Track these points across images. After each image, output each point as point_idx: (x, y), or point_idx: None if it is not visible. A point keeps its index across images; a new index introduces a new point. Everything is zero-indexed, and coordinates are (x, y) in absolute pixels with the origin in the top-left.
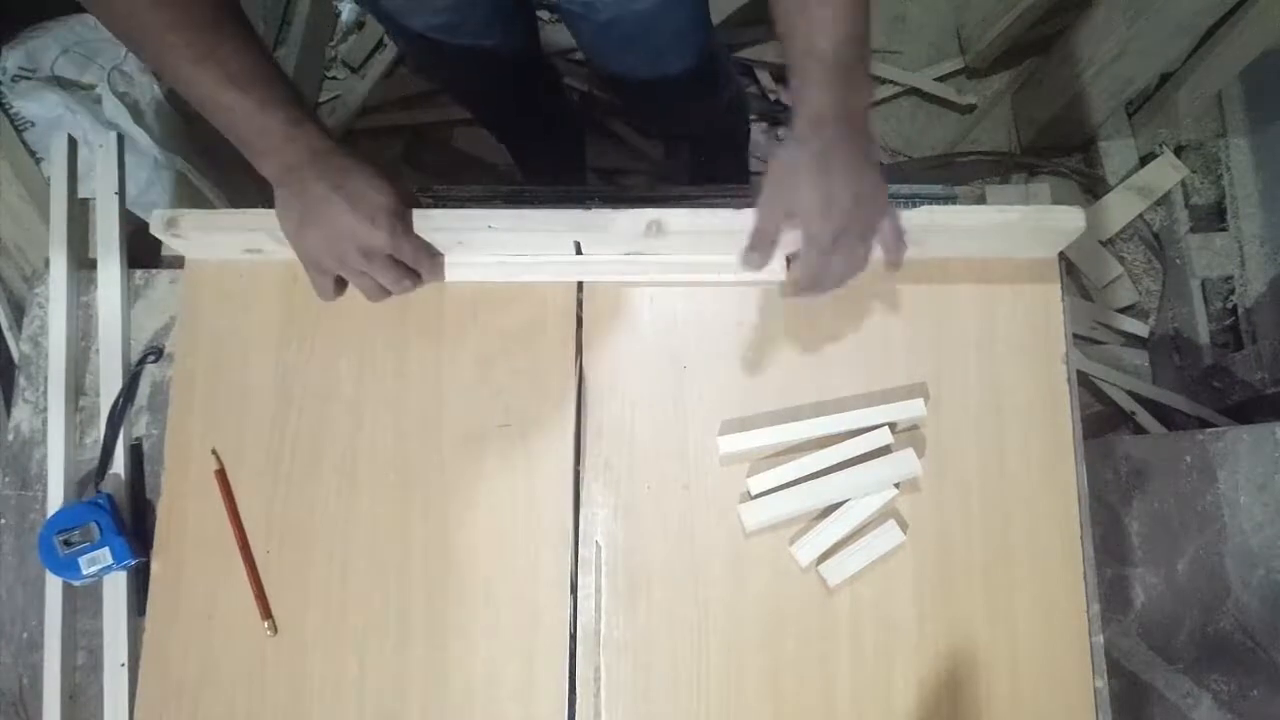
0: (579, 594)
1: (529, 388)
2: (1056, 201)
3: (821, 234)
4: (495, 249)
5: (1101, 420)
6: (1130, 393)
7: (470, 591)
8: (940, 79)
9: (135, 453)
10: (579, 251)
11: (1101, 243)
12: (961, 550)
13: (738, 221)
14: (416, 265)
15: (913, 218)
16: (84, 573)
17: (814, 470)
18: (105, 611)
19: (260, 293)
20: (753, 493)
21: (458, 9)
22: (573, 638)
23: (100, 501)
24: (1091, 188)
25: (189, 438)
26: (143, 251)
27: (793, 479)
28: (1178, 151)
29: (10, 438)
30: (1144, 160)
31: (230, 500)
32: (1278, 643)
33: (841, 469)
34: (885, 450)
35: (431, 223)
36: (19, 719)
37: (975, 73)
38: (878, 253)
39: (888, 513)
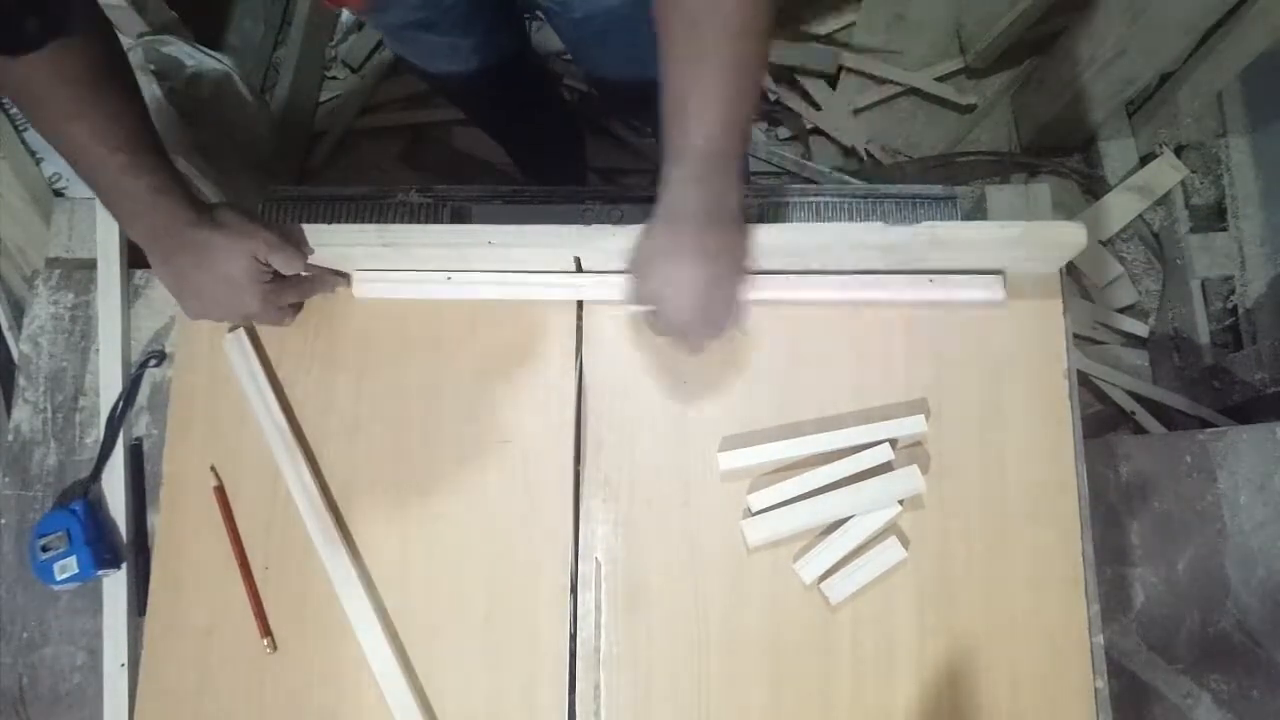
0: (579, 610)
1: (529, 405)
2: (1057, 202)
3: (673, 321)
4: (496, 264)
5: (1101, 420)
6: (1130, 393)
7: (470, 608)
8: (940, 79)
9: (135, 452)
10: (579, 267)
11: (1101, 243)
12: (962, 563)
13: None
14: (296, 298)
15: (915, 234)
16: (57, 578)
17: (815, 487)
18: (105, 611)
19: None
20: (753, 509)
21: (432, 5)
22: (572, 654)
23: (75, 509)
24: (1091, 188)
25: (188, 452)
26: (143, 252)
27: (794, 496)
28: (1178, 151)
29: (10, 438)
30: (1144, 160)
31: (229, 517)
32: (1278, 643)
33: (843, 485)
34: (886, 467)
35: (432, 238)
36: (19, 719)
37: (975, 73)
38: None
39: (889, 529)
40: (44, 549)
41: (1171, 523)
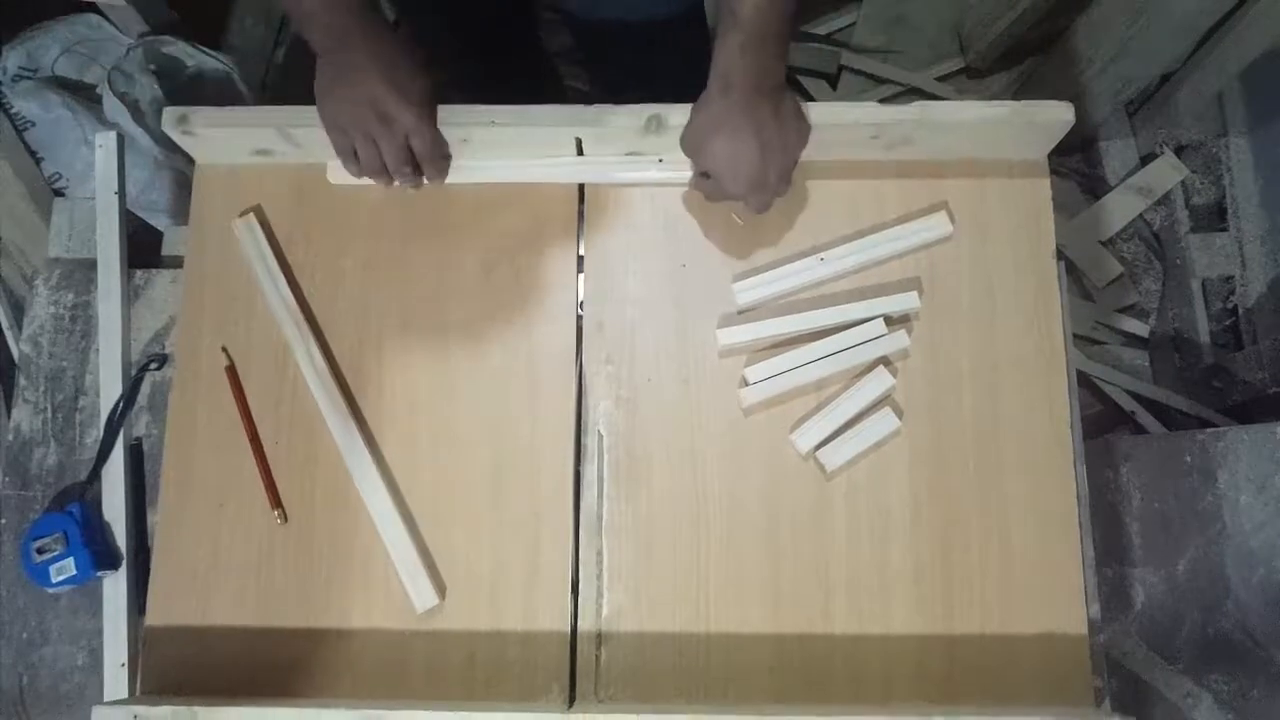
0: (581, 481)
1: (532, 286)
2: (1058, 203)
3: (734, 189)
4: (498, 148)
5: (1101, 420)
6: (1130, 393)
7: (476, 480)
8: (940, 79)
9: (135, 452)
10: (580, 151)
11: (1101, 243)
12: (953, 434)
13: None
14: (425, 156)
15: (905, 113)
16: (53, 581)
17: (809, 360)
18: (105, 611)
19: (268, 195)
20: (749, 380)
21: None
22: (575, 523)
23: (72, 511)
24: (1091, 188)
25: (199, 334)
26: (143, 251)
27: (789, 368)
28: (1178, 151)
29: (10, 438)
30: (1144, 160)
31: (240, 394)
32: (1278, 643)
33: (836, 356)
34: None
35: (438, 118)
36: (19, 719)
37: (975, 73)
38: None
39: (884, 400)
40: (39, 551)
41: (1171, 523)
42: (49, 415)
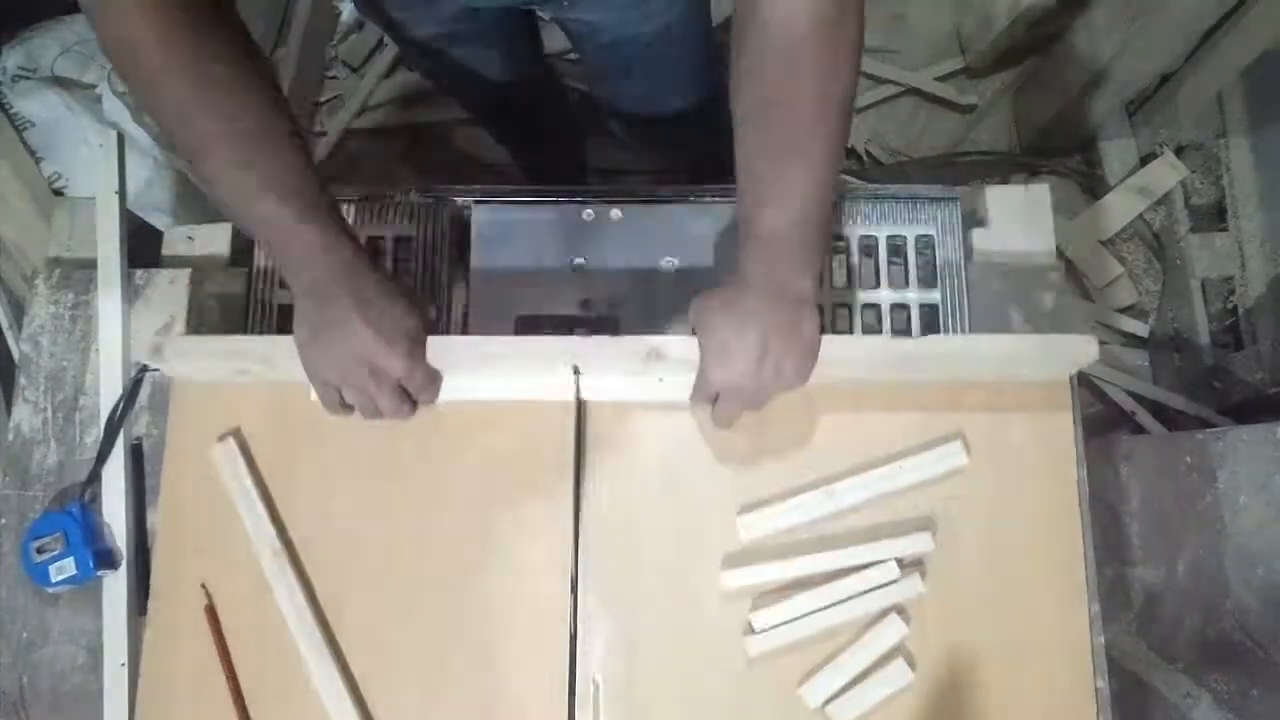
0: None
1: (526, 516)
2: (1057, 202)
3: (715, 376)
4: (491, 374)
5: (1101, 420)
6: (1130, 393)
7: None
8: (940, 79)
9: (135, 452)
10: (577, 373)
11: (1101, 243)
12: (969, 691)
13: None
14: (418, 393)
15: (925, 346)
16: (53, 580)
17: (819, 606)
18: (105, 611)
19: (248, 416)
20: (756, 628)
21: (462, 19)
22: None
23: (72, 511)
24: (1091, 188)
25: (178, 570)
26: (143, 251)
27: (797, 615)
28: (1178, 151)
29: (10, 438)
30: (1144, 160)
31: (220, 638)
32: (1278, 643)
33: (846, 603)
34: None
35: (429, 352)
36: (19, 719)
37: (975, 73)
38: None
39: (896, 651)
40: (39, 551)
41: (1171, 523)
42: (49, 415)
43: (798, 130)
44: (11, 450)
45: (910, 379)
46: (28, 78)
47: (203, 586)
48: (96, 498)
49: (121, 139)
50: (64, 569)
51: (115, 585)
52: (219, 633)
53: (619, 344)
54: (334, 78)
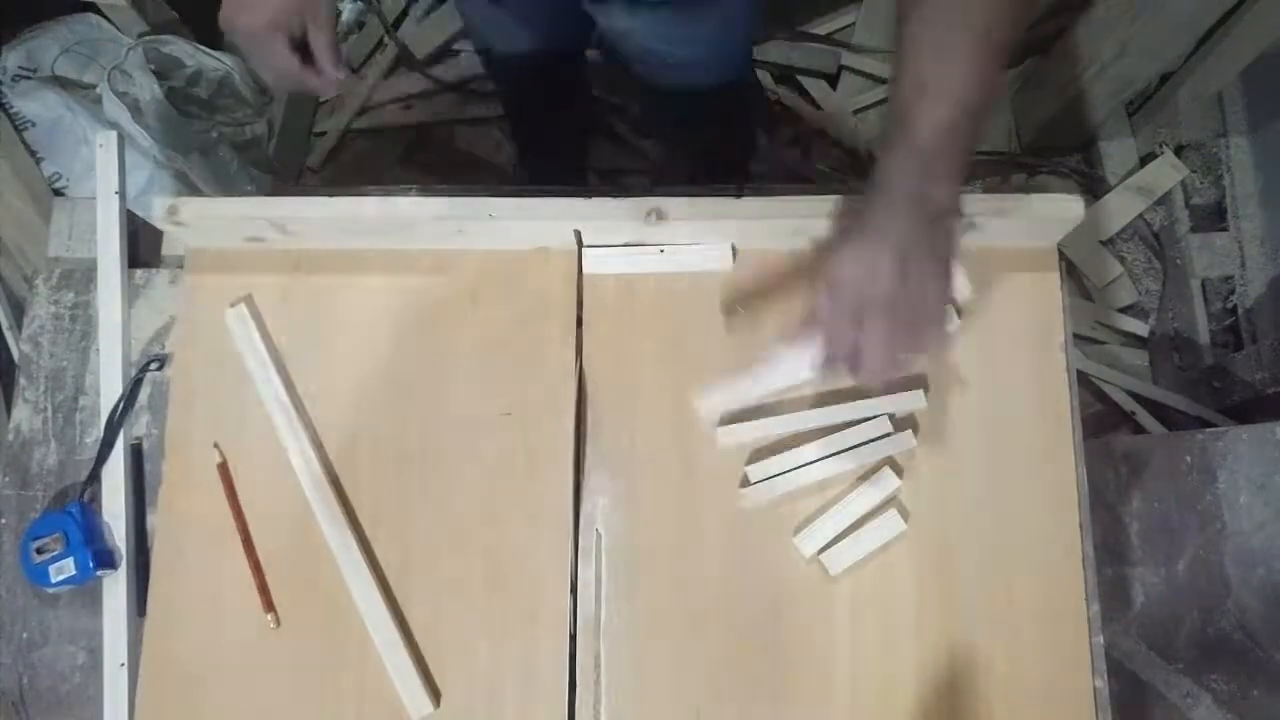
0: (579, 582)
1: (530, 378)
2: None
3: (842, 302)
4: (496, 239)
5: (1101, 420)
6: (1130, 393)
7: (471, 580)
8: None
9: (135, 452)
10: (580, 242)
11: (1101, 243)
12: (960, 539)
13: (737, 208)
14: (318, 56)
15: None
16: (53, 581)
17: (812, 459)
18: (105, 611)
19: (260, 284)
20: (751, 480)
21: None
22: (573, 626)
23: (72, 511)
24: (1091, 188)
25: (190, 430)
26: (143, 251)
27: (791, 467)
28: (1178, 151)
29: (10, 438)
30: (1144, 160)
31: (233, 493)
32: (1278, 643)
33: (840, 456)
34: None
35: (432, 210)
36: (19, 719)
37: None
38: None
39: (890, 502)
40: (39, 551)
41: (1171, 523)
42: (49, 415)
43: (970, 12)
44: (11, 450)
45: None
46: (28, 78)
47: (215, 445)
48: (96, 498)
49: (121, 139)
50: (63, 569)
51: (115, 585)
52: (232, 489)
53: (620, 204)
54: None
